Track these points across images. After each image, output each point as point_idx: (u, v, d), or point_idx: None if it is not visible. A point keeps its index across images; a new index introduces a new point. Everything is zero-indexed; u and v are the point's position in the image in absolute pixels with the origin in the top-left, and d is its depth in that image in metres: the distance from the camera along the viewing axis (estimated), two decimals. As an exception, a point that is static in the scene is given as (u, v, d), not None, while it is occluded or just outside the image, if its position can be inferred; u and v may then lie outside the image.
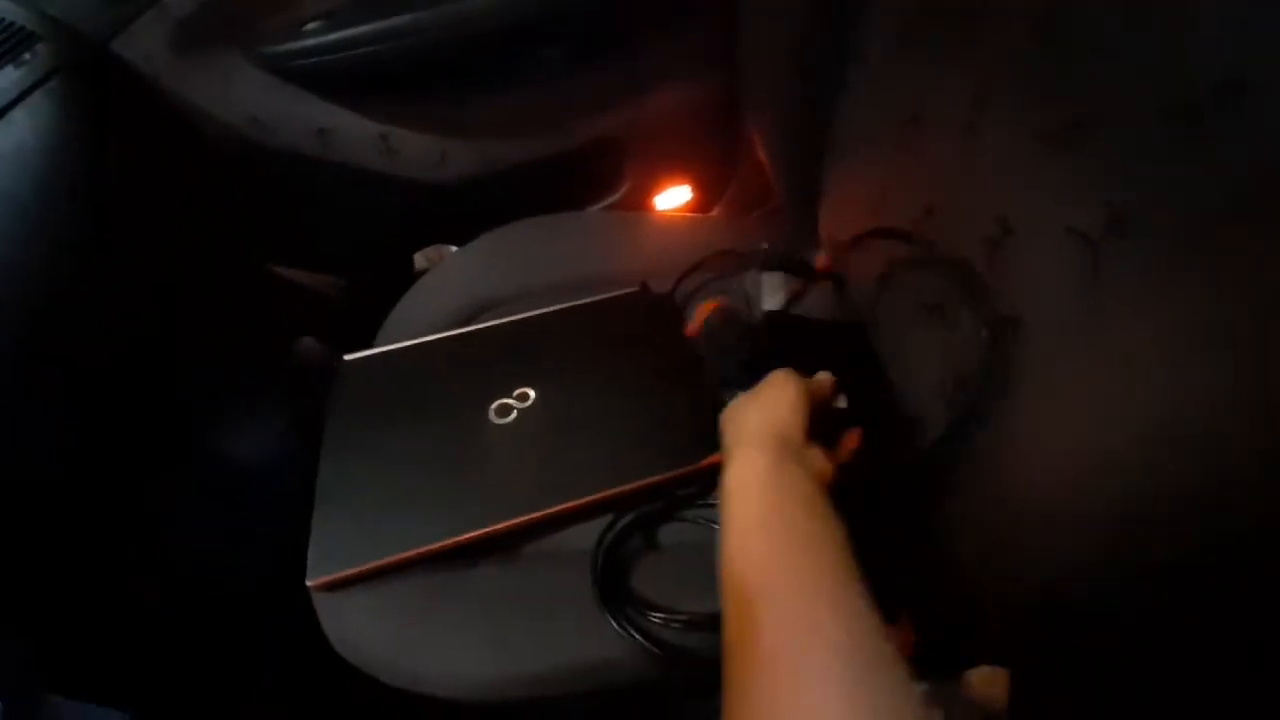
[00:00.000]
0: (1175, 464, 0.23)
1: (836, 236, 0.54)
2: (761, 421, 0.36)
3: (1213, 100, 0.22)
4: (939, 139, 0.37)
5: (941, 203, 0.38)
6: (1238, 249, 0.21)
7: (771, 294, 0.51)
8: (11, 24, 0.60)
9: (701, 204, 0.86)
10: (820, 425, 0.37)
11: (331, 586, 0.43)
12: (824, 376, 0.41)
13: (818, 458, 0.36)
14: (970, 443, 0.35)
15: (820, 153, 0.52)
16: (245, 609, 0.63)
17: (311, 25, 0.65)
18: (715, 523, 0.42)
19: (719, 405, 0.40)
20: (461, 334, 0.56)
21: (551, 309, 0.56)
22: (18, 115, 0.57)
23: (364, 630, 0.43)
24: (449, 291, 0.62)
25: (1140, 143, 0.25)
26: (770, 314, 0.50)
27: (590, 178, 0.79)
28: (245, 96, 0.68)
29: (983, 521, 0.35)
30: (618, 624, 0.40)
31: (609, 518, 0.44)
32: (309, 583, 0.43)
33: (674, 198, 0.84)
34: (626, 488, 0.44)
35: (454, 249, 0.72)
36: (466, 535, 0.43)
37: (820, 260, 0.53)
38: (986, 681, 0.38)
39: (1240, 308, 0.21)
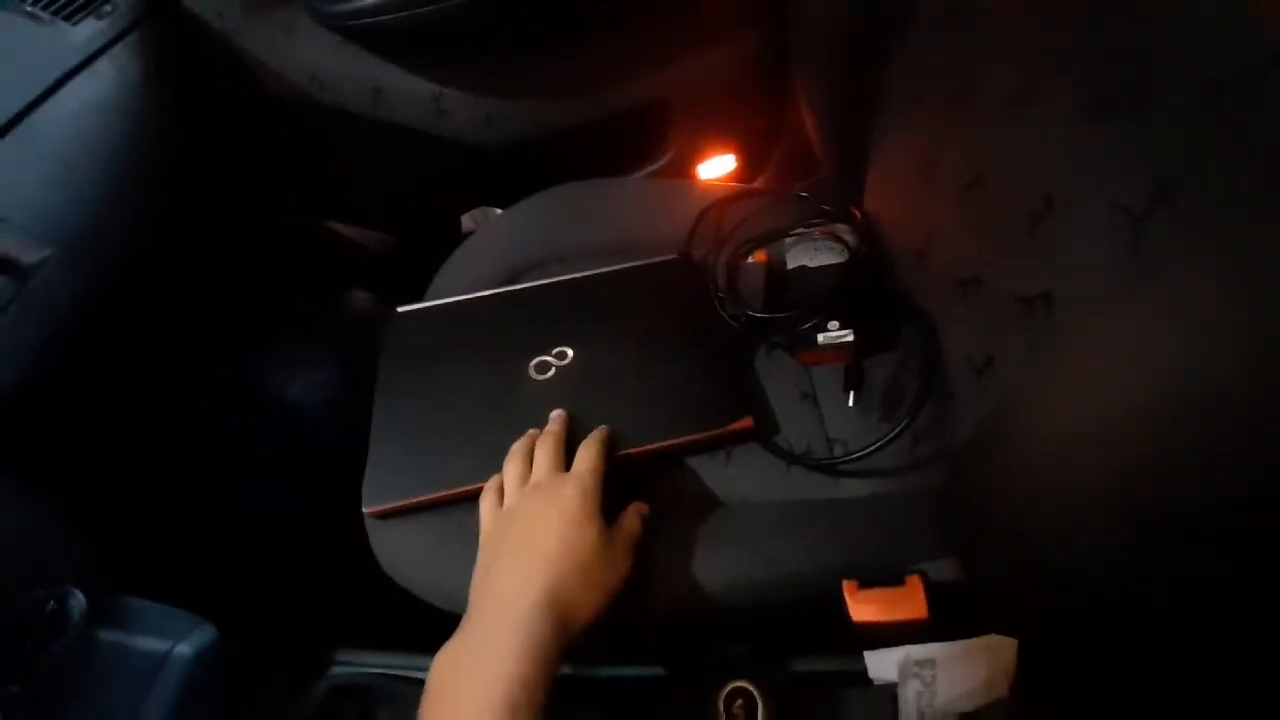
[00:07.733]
0: (1202, 421, 0.23)
1: (881, 207, 0.53)
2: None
3: (1268, 72, 0.22)
4: (988, 108, 0.37)
5: (988, 174, 0.38)
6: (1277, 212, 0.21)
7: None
8: (91, -25, 0.63)
9: (745, 174, 0.85)
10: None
11: (383, 516, 0.47)
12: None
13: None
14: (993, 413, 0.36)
15: (868, 121, 0.52)
16: (303, 535, 0.68)
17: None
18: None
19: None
20: (506, 292, 0.58)
21: (591, 272, 0.57)
22: (101, 66, 0.60)
23: (409, 555, 0.47)
24: (494, 251, 0.64)
25: (1190, 113, 0.25)
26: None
27: (634, 144, 0.80)
28: (306, 54, 0.71)
29: (998, 486, 0.35)
30: None
31: None
32: (365, 510, 0.47)
33: (718, 167, 0.84)
34: (652, 446, 0.46)
35: (499, 211, 0.74)
36: None
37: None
38: (993, 649, 0.39)
39: (1276, 260, 0.21)
